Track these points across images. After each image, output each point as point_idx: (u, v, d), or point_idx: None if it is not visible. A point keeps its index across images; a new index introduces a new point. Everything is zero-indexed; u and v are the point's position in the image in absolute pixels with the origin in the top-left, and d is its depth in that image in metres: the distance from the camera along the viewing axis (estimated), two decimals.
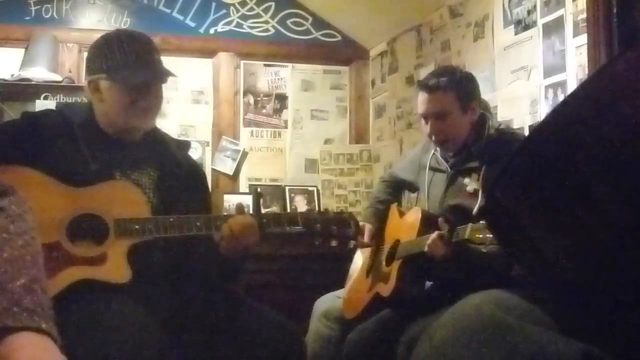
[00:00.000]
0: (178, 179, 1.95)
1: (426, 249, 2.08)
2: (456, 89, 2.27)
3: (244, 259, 1.92)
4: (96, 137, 1.88)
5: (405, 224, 2.41)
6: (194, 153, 4.19)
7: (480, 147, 2.28)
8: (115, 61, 1.85)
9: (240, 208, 1.90)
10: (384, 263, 2.43)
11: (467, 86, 2.32)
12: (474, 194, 2.24)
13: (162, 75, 1.92)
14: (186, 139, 3.63)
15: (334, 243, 1.93)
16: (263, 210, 4.21)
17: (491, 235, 1.81)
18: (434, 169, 2.45)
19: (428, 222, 2.21)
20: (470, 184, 2.26)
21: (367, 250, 2.63)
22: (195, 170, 2.08)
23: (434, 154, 2.45)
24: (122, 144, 1.91)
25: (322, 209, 2.02)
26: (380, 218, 2.60)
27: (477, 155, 2.28)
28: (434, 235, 2.07)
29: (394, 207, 2.62)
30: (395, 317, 2.31)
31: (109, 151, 1.88)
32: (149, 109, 1.90)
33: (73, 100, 3.96)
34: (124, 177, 1.86)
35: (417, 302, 2.24)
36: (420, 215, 2.29)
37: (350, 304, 2.56)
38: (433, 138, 2.32)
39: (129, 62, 1.84)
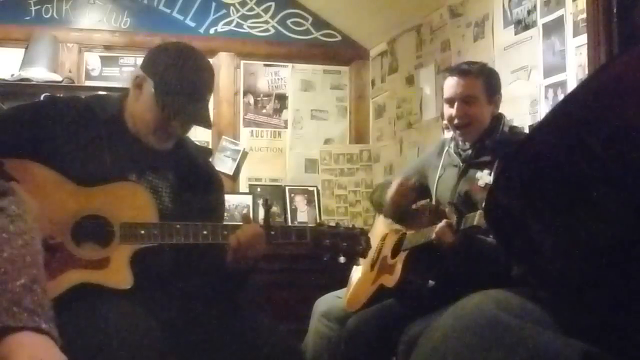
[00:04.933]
0: (195, 185, 1.91)
1: (433, 236, 2.10)
2: (485, 78, 2.35)
3: (250, 270, 1.88)
4: (119, 135, 1.84)
5: None
6: None
7: (494, 142, 2.31)
8: (170, 82, 1.79)
9: (246, 218, 1.88)
10: (389, 255, 2.44)
11: (494, 79, 2.41)
12: (485, 188, 2.25)
13: (203, 122, 1.88)
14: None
15: (342, 259, 1.90)
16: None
17: None
18: (445, 166, 2.46)
19: (436, 213, 2.22)
20: (482, 178, 2.27)
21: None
22: (213, 179, 2.03)
23: (447, 150, 2.47)
24: (143, 145, 1.86)
25: (332, 223, 1.96)
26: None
27: (490, 149, 2.30)
28: (442, 223, 2.09)
29: None
30: (397, 308, 2.33)
31: (129, 150, 1.84)
32: (171, 134, 1.86)
33: None
34: (141, 178, 1.83)
35: (422, 295, 2.25)
36: (427, 208, 2.30)
37: (354, 296, 2.57)
38: (456, 121, 2.33)
39: (182, 92, 1.79)
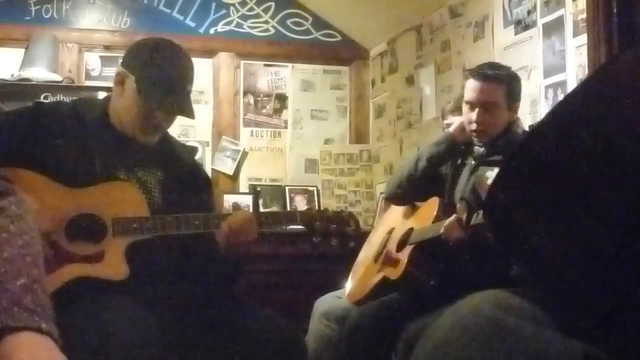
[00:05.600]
0: (183, 181, 1.94)
1: (442, 231, 2.11)
2: (508, 85, 2.32)
3: (244, 258, 1.92)
4: (106, 135, 1.87)
5: (420, 213, 2.46)
6: None
7: (507, 142, 2.30)
8: (151, 74, 1.82)
9: (237, 206, 1.91)
10: (394, 249, 2.45)
11: (517, 86, 2.37)
12: None
13: (185, 112, 1.89)
14: (186, 139, 3.64)
15: (333, 242, 1.94)
16: (262, 209, 4.24)
17: None
18: (457, 162, 2.47)
19: (445, 209, 2.25)
20: (492, 176, 2.28)
21: (373, 242, 2.64)
22: (200, 174, 2.08)
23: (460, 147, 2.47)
24: (130, 143, 1.89)
25: (321, 208, 2.04)
26: None
27: (502, 149, 2.30)
28: (452, 218, 2.10)
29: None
30: (398, 306, 2.33)
31: (117, 148, 1.87)
32: (157, 127, 1.89)
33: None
34: (129, 175, 1.86)
35: (424, 291, 2.25)
36: (437, 204, 2.33)
37: (356, 288, 2.58)
38: (474, 127, 2.32)
39: (163, 83, 1.82)
